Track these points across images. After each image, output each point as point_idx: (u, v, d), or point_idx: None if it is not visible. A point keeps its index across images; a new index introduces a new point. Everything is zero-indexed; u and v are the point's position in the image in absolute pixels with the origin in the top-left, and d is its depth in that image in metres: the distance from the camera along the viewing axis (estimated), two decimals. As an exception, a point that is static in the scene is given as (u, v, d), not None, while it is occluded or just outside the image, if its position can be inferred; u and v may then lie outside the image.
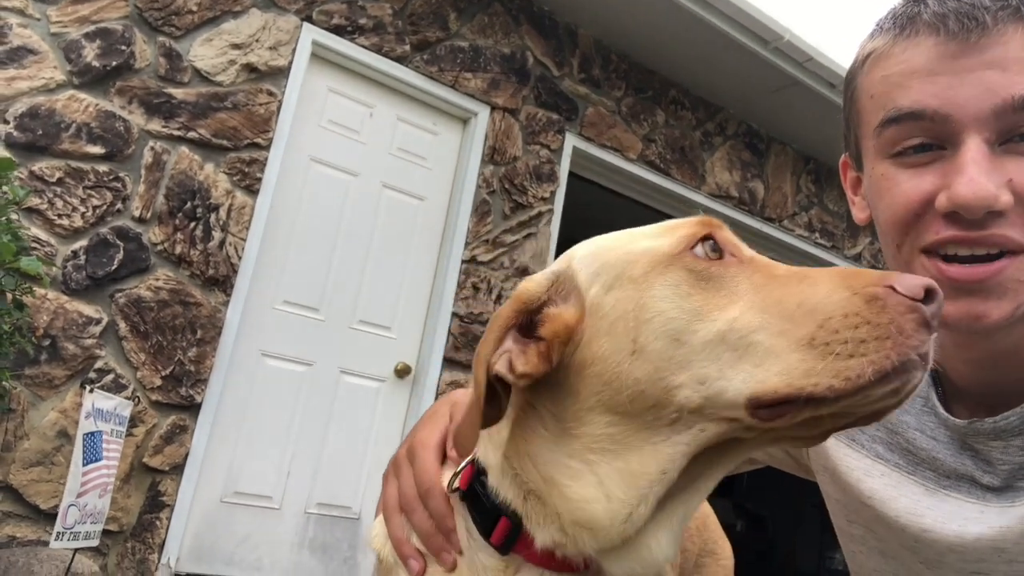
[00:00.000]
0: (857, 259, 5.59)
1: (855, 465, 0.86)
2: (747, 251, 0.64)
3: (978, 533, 0.74)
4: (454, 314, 3.69)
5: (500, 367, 0.61)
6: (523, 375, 0.61)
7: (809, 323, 0.53)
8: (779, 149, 5.19)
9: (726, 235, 0.63)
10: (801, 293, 0.56)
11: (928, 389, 0.82)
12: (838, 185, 5.51)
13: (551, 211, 4.09)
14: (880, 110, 0.74)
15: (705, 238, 0.62)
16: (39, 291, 2.69)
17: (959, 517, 0.76)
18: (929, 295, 0.52)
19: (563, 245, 4.42)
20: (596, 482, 0.59)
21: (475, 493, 0.65)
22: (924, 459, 0.81)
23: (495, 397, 0.62)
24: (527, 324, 0.64)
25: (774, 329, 0.55)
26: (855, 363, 0.51)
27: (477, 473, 0.66)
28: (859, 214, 0.86)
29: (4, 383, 2.20)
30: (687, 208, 4.81)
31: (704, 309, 0.58)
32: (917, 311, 0.52)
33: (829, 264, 5.47)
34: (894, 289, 0.52)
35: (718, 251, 0.62)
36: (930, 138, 0.70)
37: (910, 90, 0.70)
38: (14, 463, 2.67)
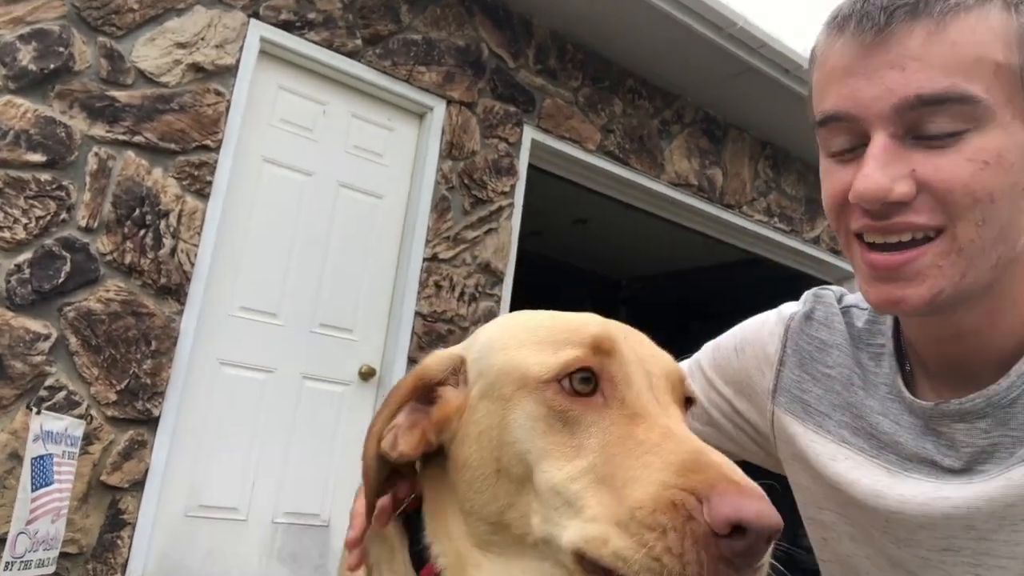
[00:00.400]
0: (816, 242, 5.66)
1: (821, 451, 0.89)
2: (634, 386, 0.60)
3: (946, 511, 0.77)
4: (417, 313, 3.64)
5: (385, 444, 0.63)
6: (402, 454, 0.62)
7: (625, 504, 0.52)
8: (736, 135, 5.21)
9: (614, 365, 0.61)
10: (637, 467, 0.54)
11: (894, 374, 0.85)
12: (796, 169, 5.57)
13: (511, 205, 4.05)
14: (815, 111, 0.79)
15: (584, 368, 0.59)
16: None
17: (920, 494, 0.79)
18: (738, 531, 0.47)
19: (525, 239, 4.38)
20: None
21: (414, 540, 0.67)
22: (887, 443, 0.84)
23: (399, 473, 0.66)
24: (427, 398, 0.65)
25: (601, 499, 0.54)
26: (655, 559, 0.49)
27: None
28: None
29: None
30: (648, 198, 4.81)
31: (552, 453, 0.57)
32: (709, 546, 0.47)
33: (789, 249, 5.53)
34: (703, 506, 0.48)
35: (593, 383, 0.59)
36: (852, 136, 0.75)
37: (830, 94, 0.76)
38: (-38, 488, 2.56)
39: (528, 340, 0.63)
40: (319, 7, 3.51)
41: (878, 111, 0.71)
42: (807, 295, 0.99)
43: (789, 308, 0.99)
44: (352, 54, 3.59)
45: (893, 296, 0.73)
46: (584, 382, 0.59)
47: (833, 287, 1.00)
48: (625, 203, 4.88)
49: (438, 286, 3.73)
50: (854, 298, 0.95)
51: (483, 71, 4.01)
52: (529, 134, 4.15)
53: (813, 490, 0.91)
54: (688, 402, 0.66)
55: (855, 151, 0.75)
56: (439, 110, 3.83)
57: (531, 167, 4.22)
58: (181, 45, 3.14)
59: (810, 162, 5.63)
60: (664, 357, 0.66)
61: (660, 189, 4.72)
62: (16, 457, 2.62)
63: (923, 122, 0.70)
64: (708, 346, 1.07)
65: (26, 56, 2.81)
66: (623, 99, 4.59)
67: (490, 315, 3.89)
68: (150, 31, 3.08)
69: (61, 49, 2.88)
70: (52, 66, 2.85)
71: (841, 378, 0.90)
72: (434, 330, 3.69)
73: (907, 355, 0.86)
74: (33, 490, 2.15)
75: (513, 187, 4.07)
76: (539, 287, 6.87)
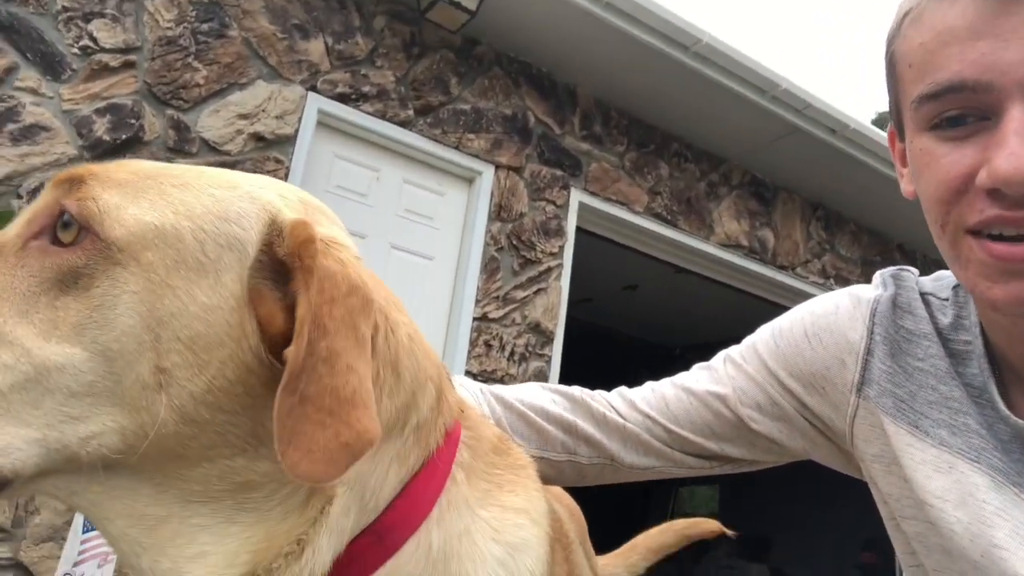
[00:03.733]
0: (874, 304, 5.51)
1: (919, 456, 0.76)
2: (118, 221, 0.56)
3: None
4: (468, 372, 3.64)
5: None
6: None
7: None
8: (786, 197, 5.19)
9: (85, 199, 0.56)
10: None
11: (986, 379, 0.75)
12: (849, 231, 5.49)
13: (560, 266, 4.08)
14: (919, 82, 0.68)
15: (62, 212, 0.56)
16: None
17: None
18: None
19: (575, 306, 4.36)
20: None
21: None
22: (986, 448, 0.73)
23: None
24: None
25: None
26: None
27: None
28: (907, 187, 0.78)
29: None
30: (698, 260, 4.79)
31: None
32: None
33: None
34: None
35: (75, 228, 0.55)
36: (971, 109, 0.64)
37: (949, 59, 0.64)
38: (25, 539, 2.60)
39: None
40: (373, 81, 3.68)
41: (1020, 77, 0.61)
42: (884, 276, 0.88)
43: (865, 291, 0.88)
44: (404, 124, 3.74)
45: None
46: (67, 227, 0.57)
47: (909, 268, 0.89)
48: (675, 266, 4.86)
49: (488, 345, 3.74)
50: (931, 285, 0.85)
51: (530, 137, 4.12)
52: (576, 197, 4.21)
53: (899, 496, 0.80)
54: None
55: (967, 126, 0.65)
56: (487, 175, 3.92)
57: (579, 230, 4.26)
58: (243, 116, 3.31)
59: (863, 223, 5.55)
60: None
61: (710, 250, 4.70)
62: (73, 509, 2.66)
63: None
64: (764, 331, 0.94)
65: (101, 128, 3.00)
66: (669, 163, 4.64)
67: (540, 375, 3.86)
68: (214, 104, 3.27)
69: (133, 121, 3.07)
70: (124, 136, 3.04)
71: (935, 371, 0.79)
72: (484, 390, 3.67)
73: (998, 360, 0.76)
74: (84, 531, 2.17)
75: (562, 248, 4.10)
76: (591, 356, 6.83)
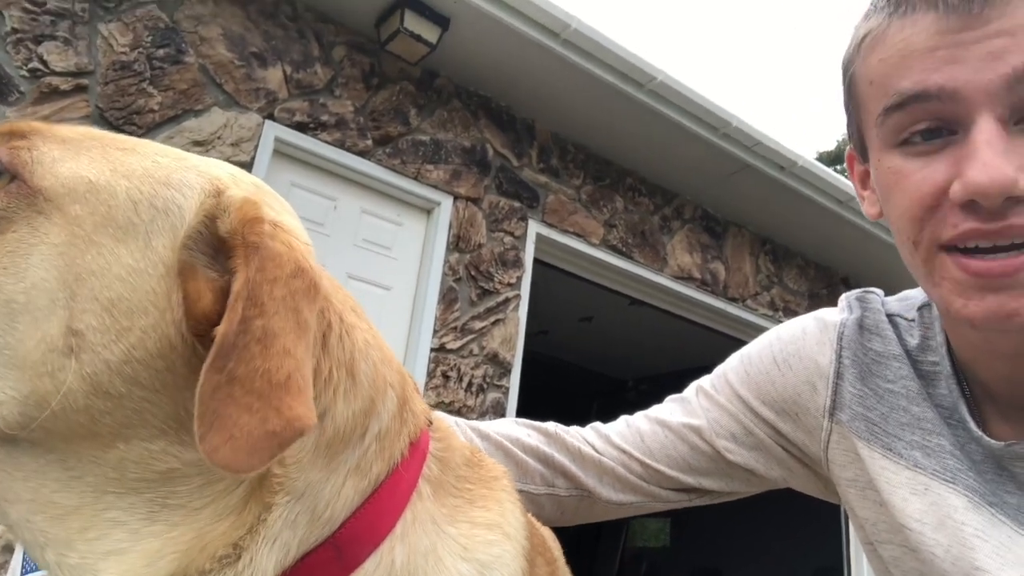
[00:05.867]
0: (821, 336, 5.65)
1: (895, 479, 0.76)
2: (51, 172, 0.53)
3: None
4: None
5: None
6: None
7: None
8: (736, 231, 5.32)
9: (19, 148, 0.54)
10: None
11: (955, 400, 0.75)
12: (796, 264, 5.64)
13: (518, 296, 4.08)
14: (882, 97, 0.67)
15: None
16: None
17: (1018, 561, 0.67)
18: None
19: (531, 338, 4.35)
20: None
21: None
22: (961, 468, 0.73)
23: None
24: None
25: None
26: None
27: None
28: (869, 209, 0.78)
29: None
30: (652, 291, 4.85)
31: None
32: None
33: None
34: None
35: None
36: (939, 121, 0.63)
37: (911, 70, 0.63)
38: (-48, 584, 2.46)
39: None
40: (332, 110, 3.67)
41: (985, 84, 0.59)
42: (849, 299, 0.88)
43: (831, 314, 0.88)
44: (363, 153, 3.72)
45: (1005, 309, 0.61)
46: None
47: (875, 290, 0.89)
48: (630, 298, 4.91)
49: (446, 376, 3.70)
50: (897, 306, 0.84)
51: (488, 169, 4.14)
52: (534, 228, 4.24)
53: (875, 521, 0.80)
54: None
55: (936, 140, 0.64)
56: (446, 205, 3.93)
57: (537, 262, 4.28)
58: (198, 143, 3.26)
59: (809, 258, 5.71)
60: None
61: (664, 282, 4.77)
62: (9, 550, 2.52)
63: None
64: (734, 360, 0.93)
65: (50, 152, 2.91)
66: (624, 196, 4.72)
67: (498, 406, 3.84)
68: (168, 130, 3.21)
69: (84, 146, 2.99)
70: (74, 161, 2.96)
71: (906, 392, 0.78)
72: (442, 422, 3.63)
73: (965, 378, 0.76)
74: (24, 572, 2.06)
75: (519, 279, 4.11)
76: (546, 388, 6.82)
